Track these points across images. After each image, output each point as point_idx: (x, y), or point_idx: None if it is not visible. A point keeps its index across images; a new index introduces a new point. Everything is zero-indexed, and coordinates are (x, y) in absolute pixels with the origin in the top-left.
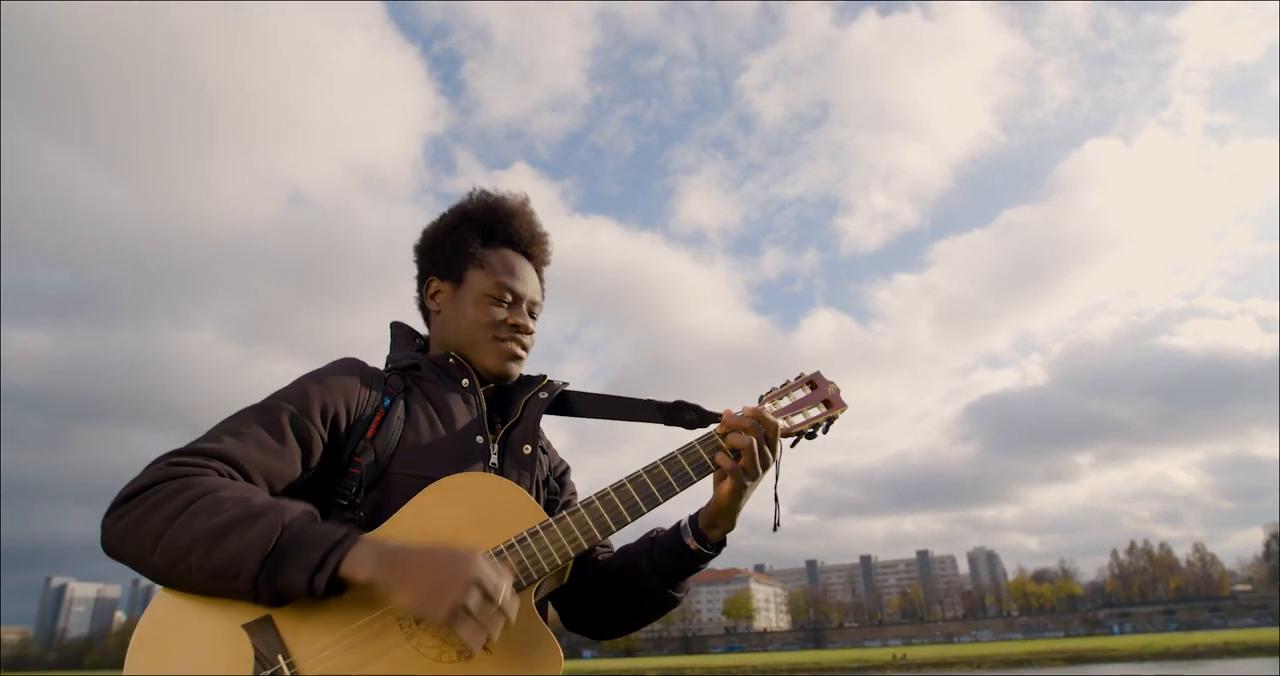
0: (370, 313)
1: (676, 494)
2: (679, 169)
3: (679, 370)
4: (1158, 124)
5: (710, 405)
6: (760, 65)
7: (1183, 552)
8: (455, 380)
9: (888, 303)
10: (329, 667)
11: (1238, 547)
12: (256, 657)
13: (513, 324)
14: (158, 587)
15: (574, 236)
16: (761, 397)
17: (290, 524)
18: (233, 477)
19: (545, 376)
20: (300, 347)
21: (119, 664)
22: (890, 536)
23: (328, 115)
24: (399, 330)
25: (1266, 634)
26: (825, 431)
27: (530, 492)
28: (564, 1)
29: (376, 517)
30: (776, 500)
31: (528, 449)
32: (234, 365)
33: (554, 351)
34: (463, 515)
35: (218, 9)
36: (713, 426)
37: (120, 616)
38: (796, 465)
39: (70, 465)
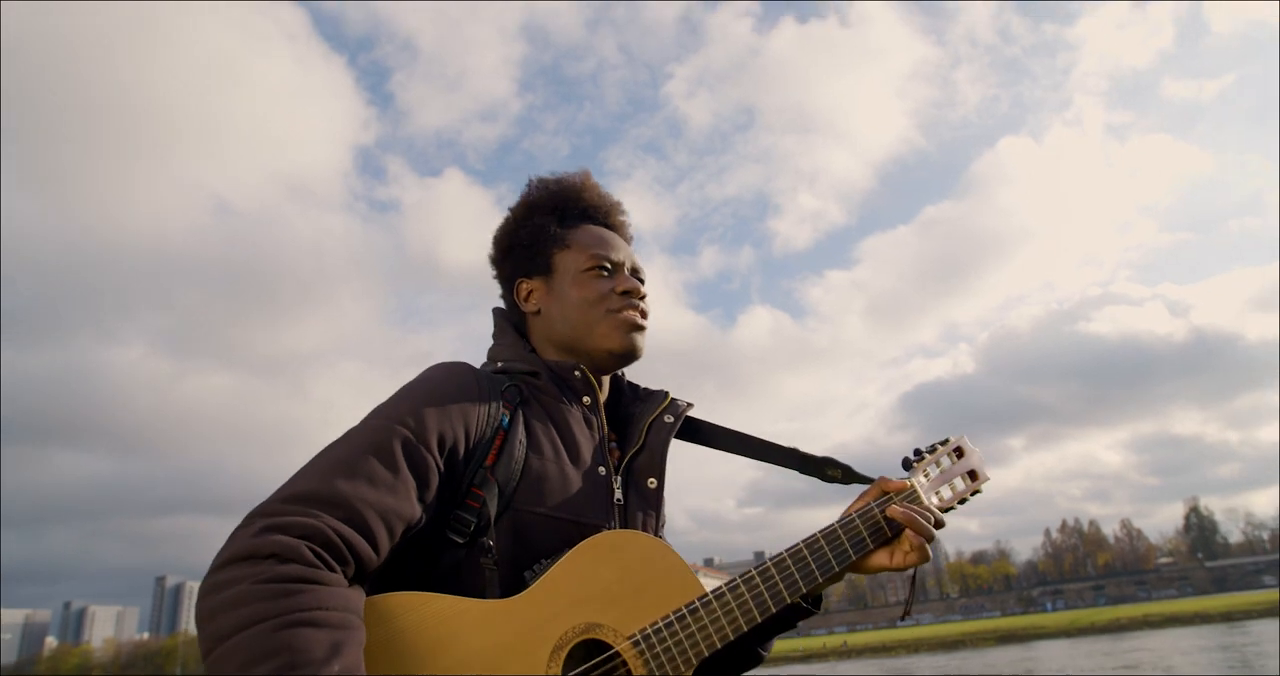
0: (307, 323)
1: (838, 569)
2: (612, 172)
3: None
4: (1062, 124)
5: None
6: (684, 73)
7: (1111, 529)
8: (577, 395)
9: (820, 299)
10: None
11: (1161, 522)
12: None
13: (622, 291)
14: (90, 610)
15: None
16: (909, 462)
17: None
18: (328, 544)
19: (668, 394)
20: (235, 360)
21: None
22: None
23: (253, 125)
24: (504, 320)
25: (1184, 604)
26: (964, 504)
27: (656, 534)
28: (488, 12)
29: (513, 564)
30: (913, 585)
31: (653, 483)
32: (166, 379)
33: None
34: (617, 581)
35: (134, 18)
36: (872, 497)
37: (51, 641)
38: (744, 459)
39: None
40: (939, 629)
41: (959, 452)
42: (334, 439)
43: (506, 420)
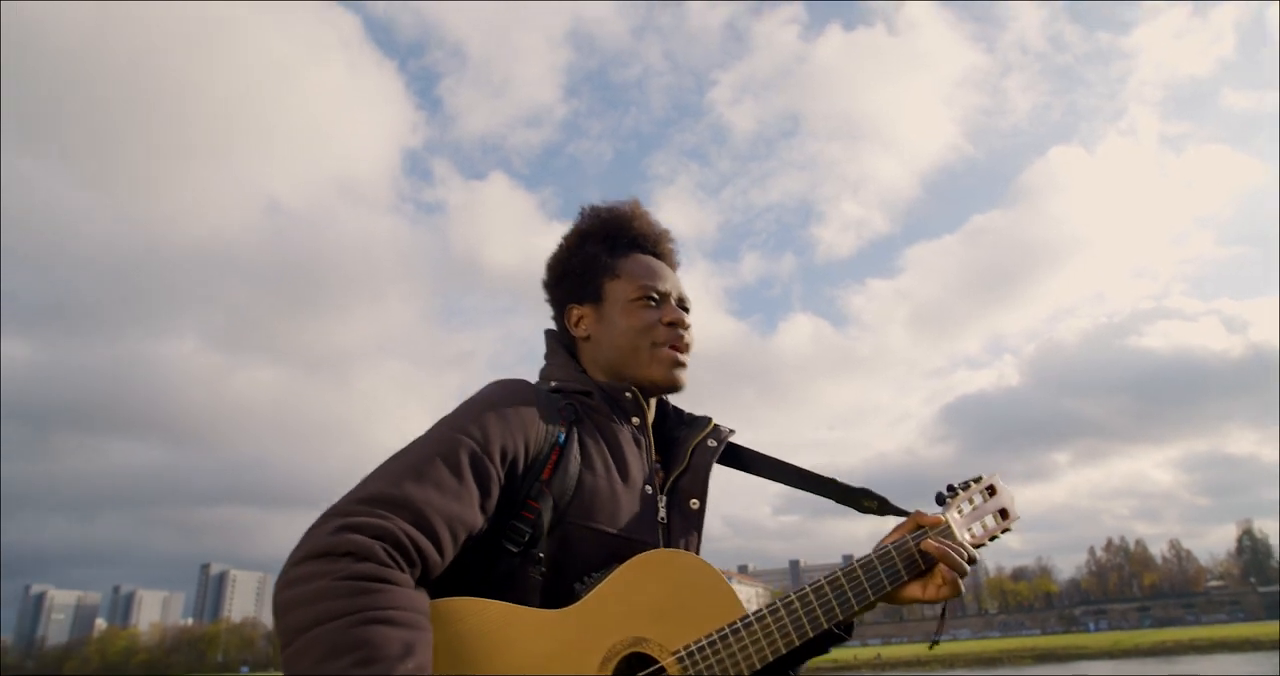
0: (354, 321)
1: (872, 598)
2: (656, 178)
3: None
4: (1116, 133)
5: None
6: (729, 80)
7: (1159, 549)
8: (627, 416)
9: (863, 307)
10: None
11: (1212, 544)
12: None
13: (669, 322)
14: (138, 594)
15: (553, 243)
16: (943, 497)
17: None
18: (400, 546)
19: (711, 419)
20: (283, 356)
21: (100, 670)
22: (873, 536)
23: (307, 128)
24: (556, 342)
25: (1234, 630)
26: (993, 541)
27: (697, 553)
28: (536, 20)
29: (561, 575)
30: (943, 617)
31: (695, 504)
32: (216, 374)
33: (536, 356)
34: (663, 598)
35: (196, 22)
36: (907, 530)
37: (101, 623)
38: None
39: (50, 474)
40: (976, 644)
41: (991, 491)
42: (403, 446)
43: (563, 437)
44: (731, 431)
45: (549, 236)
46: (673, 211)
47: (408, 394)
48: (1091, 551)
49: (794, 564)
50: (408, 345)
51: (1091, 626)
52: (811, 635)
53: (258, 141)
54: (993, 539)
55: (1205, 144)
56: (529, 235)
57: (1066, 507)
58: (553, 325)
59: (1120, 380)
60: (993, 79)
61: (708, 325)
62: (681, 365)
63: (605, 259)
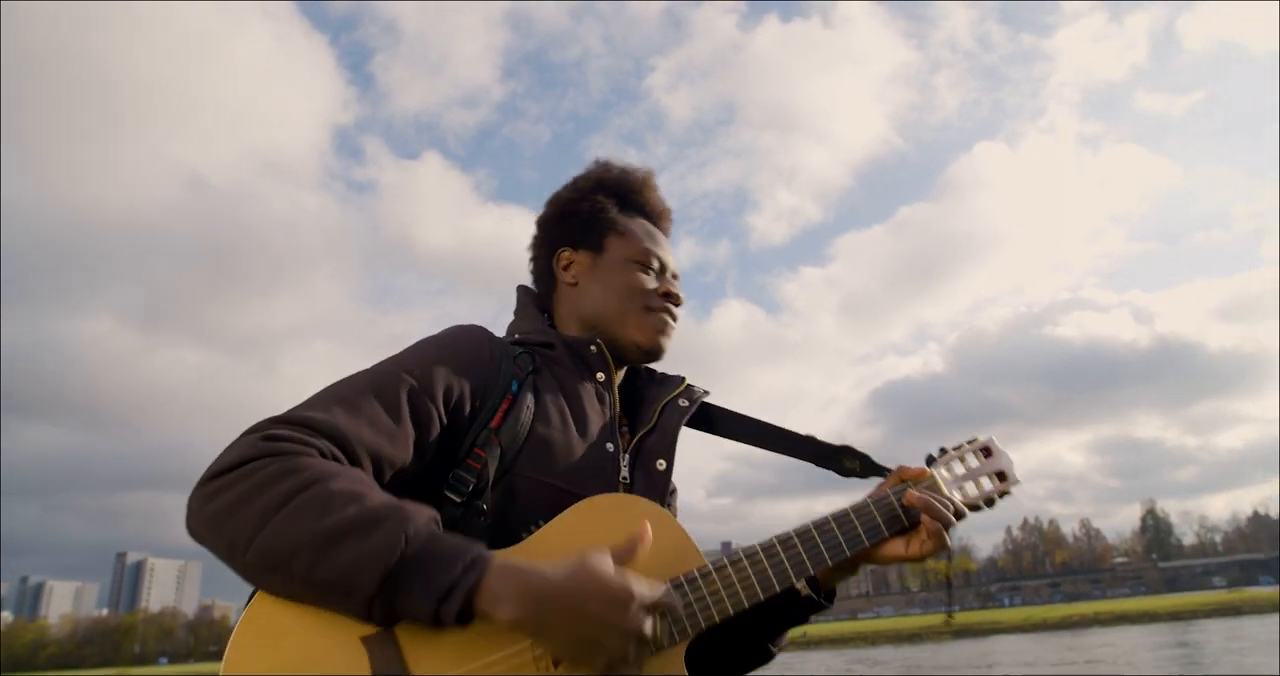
0: (280, 301)
1: (848, 553)
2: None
3: None
4: (1038, 131)
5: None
6: (667, 66)
7: (1071, 529)
8: (591, 371)
9: (795, 295)
10: None
11: (1119, 523)
12: (372, 667)
13: (664, 292)
14: (48, 585)
15: (488, 225)
16: (932, 458)
17: (414, 536)
18: (334, 457)
19: (684, 379)
20: (206, 336)
21: (4, 665)
22: (803, 517)
23: (231, 102)
24: (526, 296)
25: (1135, 603)
26: (991, 506)
27: None
28: (472, 1)
29: (503, 526)
30: (949, 584)
31: (662, 464)
32: (135, 354)
33: None
34: (612, 541)
35: None
36: (890, 486)
37: (6, 616)
38: (713, 450)
39: None
40: (897, 621)
41: (986, 452)
42: (339, 378)
43: (516, 385)
44: (706, 392)
45: (484, 218)
46: None
47: (336, 376)
48: (1008, 531)
49: (726, 545)
50: (337, 326)
51: (1006, 602)
52: (778, 589)
53: (179, 114)
54: (989, 502)
55: (1120, 144)
56: (463, 217)
57: None
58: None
59: (1037, 368)
60: (923, 75)
61: None
62: (666, 334)
63: (614, 213)
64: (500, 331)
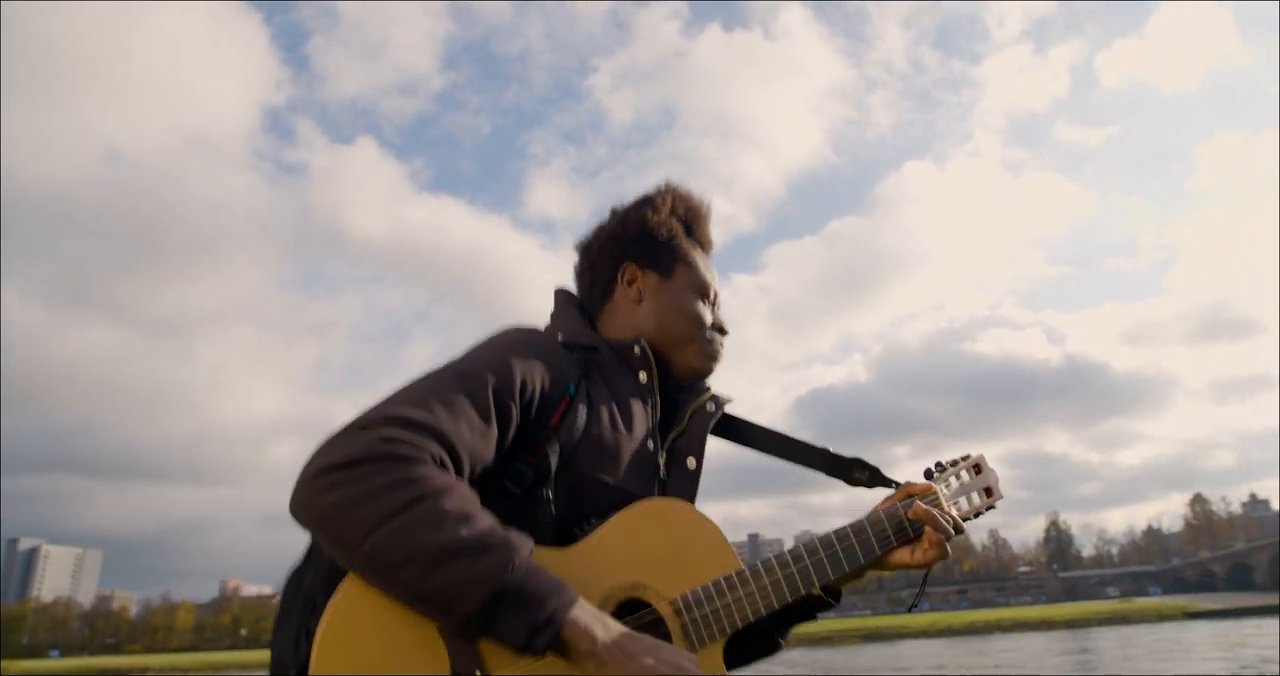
0: (200, 282)
1: (863, 562)
2: (532, 157)
3: None
4: (964, 155)
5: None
6: (610, 68)
7: (979, 538)
8: (634, 373)
9: (725, 301)
10: None
11: (1025, 534)
12: (451, 664)
13: (717, 325)
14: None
15: (422, 214)
16: (930, 473)
17: (519, 566)
18: (442, 463)
19: (709, 386)
20: (120, 315)
21: None
22: (726, 520)
23: (155, 74)
24: (568, 300)
25: (1035, 611)
26: (978, 517)
27: None
28: None
29: (562, 520)
30: (925, 581)
31: (692, 463)
32: (40, 330)
33: (402, 328)
34: (661, 545)
35: None
36: (897, 500)
37: None
38: None
39: None
40: (809, 625)
41: (977, 469)
42: (417, 377)
43: (573, 387)
44: (729, 400)
45: (419, 208)
46: (547, 193)
47: (258, 362)
48: None
49: (753, 537)
50: (260, 311)
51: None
52: (803, 593)
53: (98, 85)
54: (977, 515)
55: (1040, 171)
56: (397, 205)
57: None
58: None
59: (956, 381)
60: (859, 93)
61: None
62: (718, 359)
63: (684, 242)
64: (443, 323)
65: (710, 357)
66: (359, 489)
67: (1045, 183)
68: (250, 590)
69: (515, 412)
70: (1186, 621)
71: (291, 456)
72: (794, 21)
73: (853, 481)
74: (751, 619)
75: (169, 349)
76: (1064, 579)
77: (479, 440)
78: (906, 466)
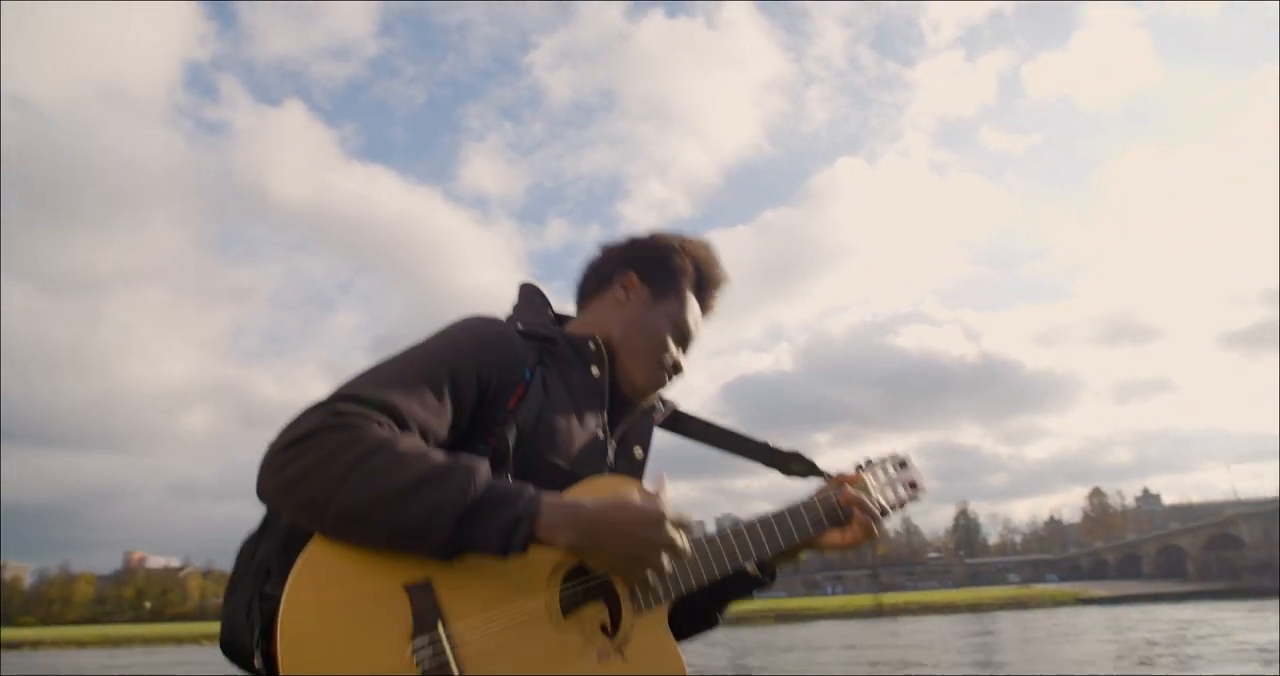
0: (110, 241)
1: (798, 540)
2: (467, 130)
3: None
4: (895, 154)
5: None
6: (550, 45)
7: (892, 525)
8: (587, 365)
9: None
10: (482, 646)
11: (936, 522)
12: (415, 619)
13: (675, 365)
14: None
15: (351, 182)
16: (860, 467)
17: (479, 481)
18: (391, 429)
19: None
20: (20, 272)
21: None
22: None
23: (67, 20)
24: (532, 295)
25: (941, 595)
26: (902, 508)
27: None
28: None
29: None
30: (874, 553)
31: (639, 453)
32: None
33: (325, 297)
34: None
35: None
36: (835, 486)
37: None
38: None
39: None
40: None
41: (902, 464)
42: (373, 365)
43: (529, 373)
44: (674, 403)
45: (348, 175)
46: (482, 167)
47: (171, 327)
48: None
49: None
50: (175, 273)
51: (829, 590)
52: (741, 564)
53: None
54: (902, 505)
55: (966, 173)
56: (325, 171)
57: (821, 483)
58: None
59: (877, 373)
60: (797, 87)
61: (509, 287)
62: (661, 387)
63: (688, 283)
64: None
65: (655, 384)
66: (315, 456)
67: (970, 186)
68: (156, 562)
69: (471, 394)
70: (1079, 607)
71: (204, 425)
72: (736, 13)
73: (789, 472)
74: (695, 586)
75: (76, 309)
76: (970, 565)
77: (431, 416)
78: (828, 454)
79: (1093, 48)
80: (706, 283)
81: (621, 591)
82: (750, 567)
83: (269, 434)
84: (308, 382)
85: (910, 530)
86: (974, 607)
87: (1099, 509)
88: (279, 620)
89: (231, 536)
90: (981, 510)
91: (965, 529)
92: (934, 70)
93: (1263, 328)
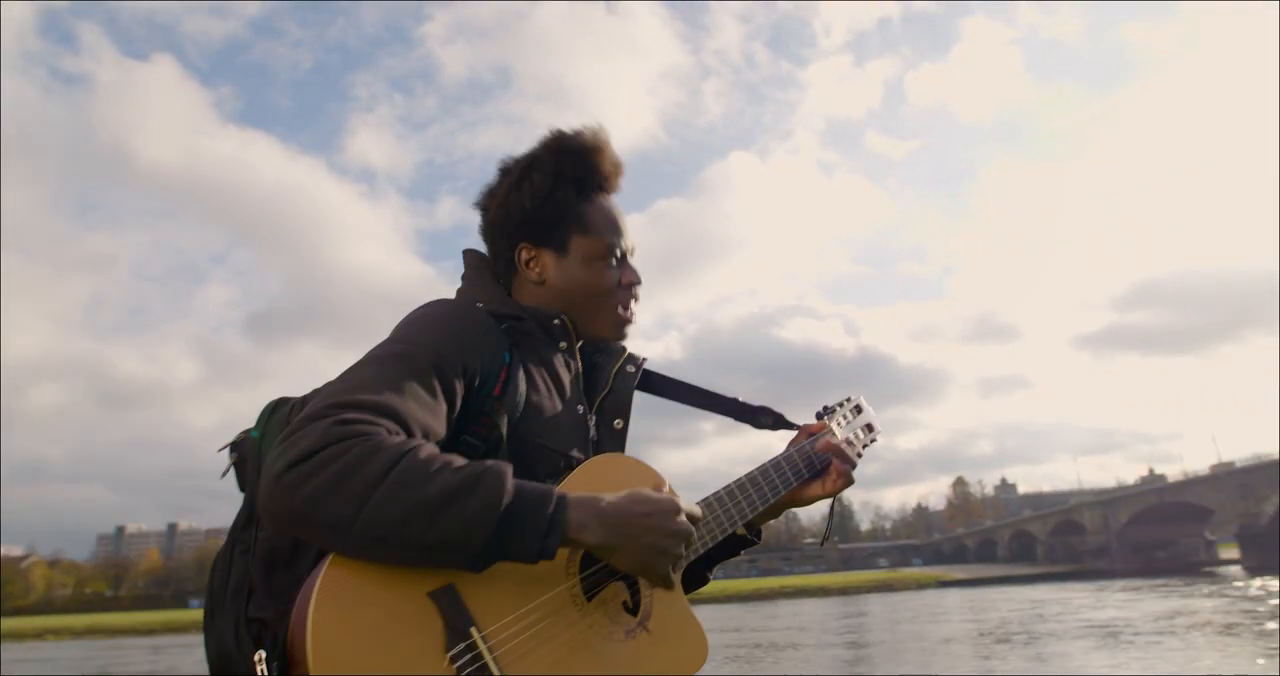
0: None
1: (783, 492)
2: (355, 100)
3: (336, 308)
4: (785, 151)
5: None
6: (445, 18)
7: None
8: (556, 342)
9: None
10: (516, 642)
11: (812, 508)
12: (447, 627)
13: (627, 283)
14: None
15: (226, 148)
16: (821, 414)
17: (508, 488)
18: (397, 435)
19: (625, 347)
20: None
21: None
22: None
23: None
24: (481, 263)
25: (814, 579)
26: (865, 449)
27: None
28: None
29: None
30: (833, 514)
31: (619, 423)
32: None
33: (196, 270)
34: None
35: None
36: (803, 437)
37: None
38: None
39: None
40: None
41: (858, 409)
42: (357, 361)
43: (509, 357)
44: (645, 359)
45: (223, 140)
46: (369, 140)
47: (20, 295)
48: None
49: None
50: (27, 237)
51: (711, 575)
52: (740, 525)
53: None
54: (865, 447)
55: (851, 174)
56: (197, 135)
57: (708, 471)
58: (478, 246)
59: (762, 364)
60: (694, 79)
61: (394, 265)
62: (629, 323)
63: (575, 208)
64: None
65: (619, 325)
66: (331, 472)
67: (854, 186)
68: None
69: (460, 387)
70: (941, 589)
71: (55, 402)
72: (636, 1)
73: (759, 425)
74: (701, 552)
75: None
76: (843, 550)
77: (429, 416)
78: (714, 441)
79: (970, 61)
80: (589, 172)
81: None
82: (740, 529)
83: (131, 413)
84: (175, 360)
85: (789, 516)
86: (844, 591)
87: (961, 497)
88: (309, 655)
89: (84, 524)
90: (855, 497)
91: (839, 515)
92: (825, 72)
93: (1111, 331)
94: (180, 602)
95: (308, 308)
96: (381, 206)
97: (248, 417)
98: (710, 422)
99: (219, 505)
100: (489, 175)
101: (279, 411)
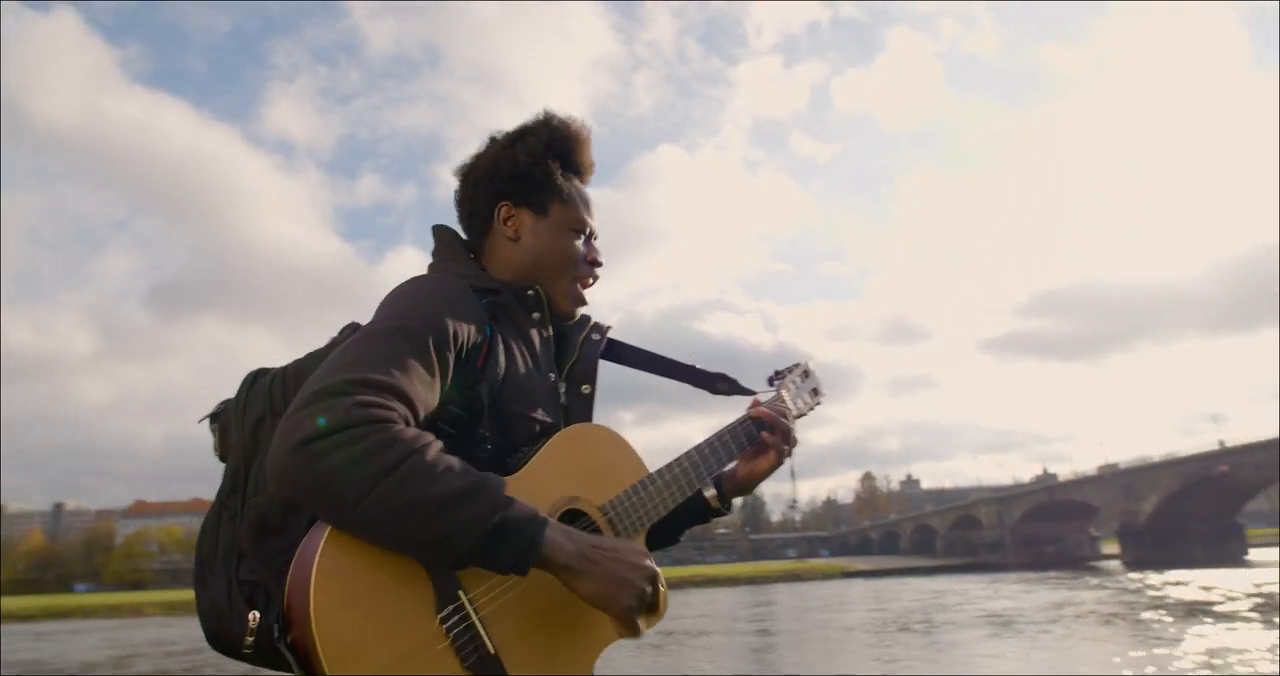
0: None
1: (736, 455)
2: (275, 68)
3: (245, 283)
4: (713, 147)
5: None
6: None
7: None
8: (529, 312)
9: None
10: (500, 604)
11: None
12: (436, 591)
13: (591, 260)
14: None
15: (132, 110)
16: (772, 380)
17: (503, 503)
18: (408, 421)
19: (589, 317)
20: None
21: None
22: None
23: None
24: (454, 239)
25: (726, 568)
26: (811, 412)
27: None
28: None
29: (501, 453)
30: (793, 475)
31: (586, 389)
32: None
33: (95, 237)
34: (585, 465)
35: None
36: (757, 402)
37: None
38: None
39: None
40: None
41: (806, 374)
42: (364, 333)
43: (489, 329)
44: (609, 327)
45: (129, 102)
46: (288, 111)
47: None
48: None
49: None
50: None
51: (679, 538)
52: (698, 487)
53: None
54: (811, 410)
55: (775, 173)
56: (100, 94)
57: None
58: (444, 222)
59: (682, 356)
60: (626, 70)
61: (310, 241)
62: (583, 302)
63: (559, 179)
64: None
65: (576, 300)
66: (346, 455)
67: (778, 185)
68: None
69: (451, 361)
70: (846, 579)
71: None
72: None
73: (716, 391)
74: (663, 513)
75: None
76: (754, 540)
77: (428, 393)
78: (633, 431)
79: (893, 70)
80: (574, 156)
81: (604, 527)
82: (711, 497)
83: (18, 386)
84: (69, 331)
85: None
86: (753, 580)
87: (868, 491)
88: (312, 616)
89: None
90: (768, 490)
91: (752, 507)
92: (755, 72)
93: (1013, 337)
94: (64, 587)
95: (215, 281)
96: (298, 180)
97: (146, 392)
98: (630, 413)
99: (111, 485)
100: (412, 154)
101: (259, 382)
